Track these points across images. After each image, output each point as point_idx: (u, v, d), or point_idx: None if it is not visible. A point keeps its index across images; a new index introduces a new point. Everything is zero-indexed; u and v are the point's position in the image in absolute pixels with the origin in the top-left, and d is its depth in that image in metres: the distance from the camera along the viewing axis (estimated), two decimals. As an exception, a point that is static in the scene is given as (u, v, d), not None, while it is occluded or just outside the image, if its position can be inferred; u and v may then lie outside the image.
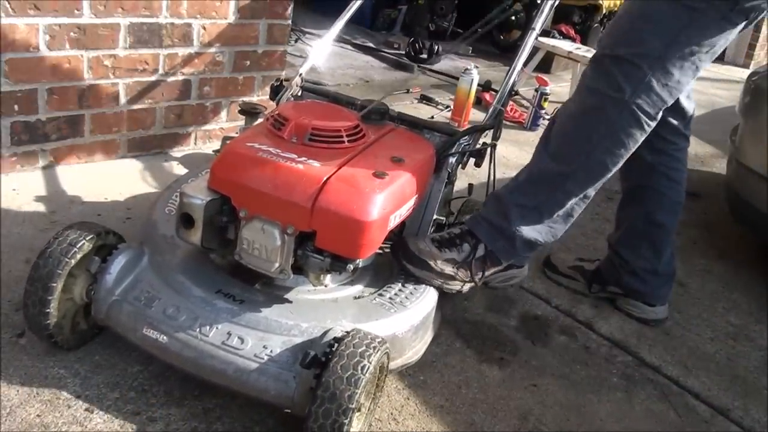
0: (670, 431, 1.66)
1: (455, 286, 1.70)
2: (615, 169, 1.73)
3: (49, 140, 2.25)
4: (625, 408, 1.70)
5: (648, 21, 1.63)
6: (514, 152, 3.41)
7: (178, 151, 2.62)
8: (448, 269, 1.67)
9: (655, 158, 1.94)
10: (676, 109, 1.89)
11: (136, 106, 2.42)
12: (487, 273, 1.75)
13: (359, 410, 1.26)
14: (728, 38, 1.64)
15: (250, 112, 2.46)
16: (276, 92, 1.90)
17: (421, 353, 1.56)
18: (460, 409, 1.58)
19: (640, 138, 1.70)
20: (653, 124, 1.69)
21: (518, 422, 1.57)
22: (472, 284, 1.74)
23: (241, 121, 2.63)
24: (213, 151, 2.62)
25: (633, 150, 1.71)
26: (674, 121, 1.92)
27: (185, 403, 1.41)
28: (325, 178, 1.35)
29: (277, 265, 1.37)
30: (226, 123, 2.74)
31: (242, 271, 1.45)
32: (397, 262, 1.65)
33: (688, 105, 1.94)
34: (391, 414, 1.52)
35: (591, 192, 1.75)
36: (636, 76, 1.62)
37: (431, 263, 1.64)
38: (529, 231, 1.74)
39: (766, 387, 1.90)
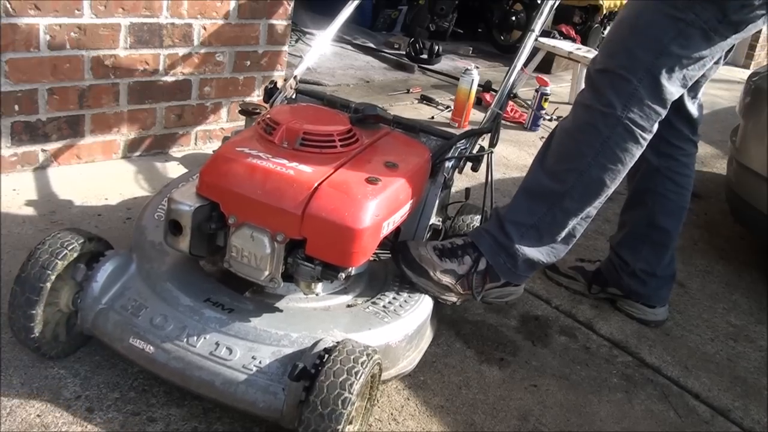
0: (671, 432, 1.66)
1: (451, 297, 1.68)
2: (614, 186, 1.70)
3: (49, 140, 2.25)
4: (626, 408, 1.70)
5: (636, 34, 1.62)
6: (514, 152, 3.41)
7: (178, 152, 2.62)
8: (447, 280, 1.65)
9: (661, 162, 1.94)
10: (684, 115, 1.89)
11: (136, 107, 2.42)
12: (485, 288, 1.72)
13: (350, 423, 1.25)
14: (719, 49, 1.63)
15: (250, 112, 2.46)
16: (270, 94, 1.88)
17: (416, 362, 1.53)
18: (461, 409, 1.58)
19: (637, 152, 1.67)
20: (648, 136, 1.67)
21: (518, 423, 1.57)
22: (469, 297, 1.71)
23: (241, 122, 2.63)
24: (213, 151, 2.62)
25: (630, 164, 1.68)
26: (682, 127, 1.92)
27: (185, 403, 1.41)
28: (316, 185, 1.32)
29: (267, 273, 1.34)
30: (227, 123, 2.74)
31: (232, 279, 1.43)
32: (396, 266, 1.64)
33: (696, 111, 1.93)
34: (391, 414, 1.52)
35: (592, 211, 1.72)
36: (626, 90, 1.61)
37: (430, 272, 1.62)
38: (529, 250, 1.70)
39: (766, 388, 1.90)
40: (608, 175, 1.67)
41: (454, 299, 1.69)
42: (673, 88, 1.63)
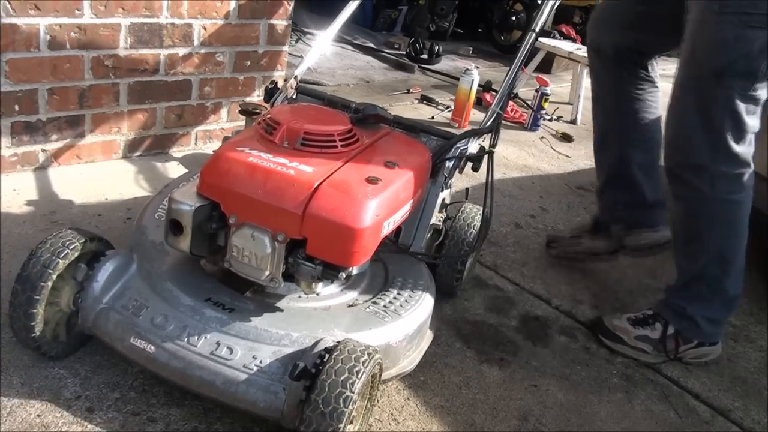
0: (671, 432, 1.66)
1: (647, 358, 1.89)
2: (741, 247, 1.84)
3: (49, 140, 2.25)
4: (626, 408, 1.70)
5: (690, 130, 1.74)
6: (514, 152, 3.41)
7: (178, 152, 2.63)
8: (642, 345, 1.89)
9: (618, 101, 2.07)
10: (643, 58, 2.02)
11: (136, 107, 2.43)
12: (680, 349, 1.89)
13: (351, 422, 1.25)
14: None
15: (250, 112, 2.46)
16: (270, 95, 1.88)
17: (417, 362, 1.53)
18: (461, 409, 1.58)
19: (744, 208, 1.80)
20: (746, 179, 1.76)
21: (518, 423, 1.57)
22: (665, 358, 1.90)
23: (241, 122, 2.63)
24: (213, 151, 2.62)
25: (744, 219, 1.81)
26: (639, 69, 2.03)
27: (185, 403, 1.41)
28: (316, 184, 1.32)
29: (267, 272, 1.34)
30: (227, 123, 2.74)
31: (232, 278, 1.43)
32: (594, 337, 1.93)
33: (656, 58, 2.04)
34: (391, 414, 1.52)
35: (729, 253, 1.84)
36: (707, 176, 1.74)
37: (625, 338, 1.89)
38: (705, 312, 1.87)
39: (767, 388, 1.90)
40: (731, 242, 1.83)
41: (651, 359, 1.90)
42: (742, 144, 1.72)
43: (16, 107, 2.12)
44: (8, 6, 1.98)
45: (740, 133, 1.70)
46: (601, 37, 2.07)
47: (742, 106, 1.66)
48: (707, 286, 1.85)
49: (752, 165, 1.76)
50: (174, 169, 2.49)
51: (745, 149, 1.72)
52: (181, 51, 2.45)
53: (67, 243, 1.37)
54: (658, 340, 1.88)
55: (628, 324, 1.90)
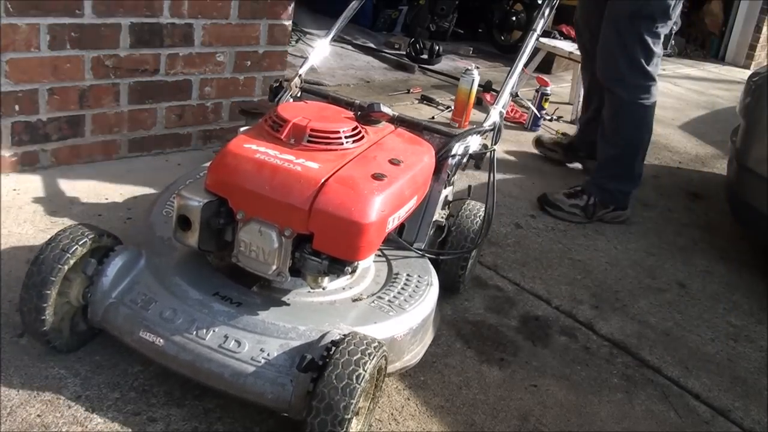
0: (671, 432, 1.66)
1: (578, 219, 2.66)
2: (646, 139, 2.69)
3: (49, 140, 2.25)
4: (626, 409, 1.70)
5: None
6: (515, 152, 3.41)
7: (178, 152, 2.62)
8: (574, 210, 2.67)
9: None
10: None
11: (136, 107, 2.43)
12: (599, 212, 2.68)
13: (357, 414, 1.26)
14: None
15: (250, 112, 2.46)
16: (275, 93, 1.90)
17: (420, 356, 1.55)
18: (461, 409, 1.58)
19: (651, 109, 2.63)
20: (653, 89, 2.59)
21: (518, 423, 1.57)
22: (589, 220, 2.68)
23: (242, 122, 2.63)
24: (214, 151, 2.62)
25: (650, 118, 2.65)
26: None
27: (186, 404, 1.41)
28: (323, 180, 1.34)
29: (274, 267, 1.36)
30: (227, 123, 2.74)
31: (240, 273, 1.44)
32: (540, 207, 2.69)
33: None
34: (392, 414, 1.52)
35: (639, 148, 2.68)
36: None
37: (562, 206, 2.68)
38: (618, 186, 2.67)
39: (767, 388, 1.90)
40: (639, 134, 2.66)
41: (581, 220, 2.65)
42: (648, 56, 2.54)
43: (16, 107, 2.12)
44: (8, 6, 1.98)
45: (648, 57, 2.51)
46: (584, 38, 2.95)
47: (648, 39, 2.48)
48: (622, 166, 2.68)
49: (657, 80, 2.57)
50: (174, 169, 2.49)
51: (652, 68, 2.54)
52: (182, 51, 2.45)
53: (86, 233, 1.41)
54: (585, 206, 2.66)
55: (564, 197, 2.69)
